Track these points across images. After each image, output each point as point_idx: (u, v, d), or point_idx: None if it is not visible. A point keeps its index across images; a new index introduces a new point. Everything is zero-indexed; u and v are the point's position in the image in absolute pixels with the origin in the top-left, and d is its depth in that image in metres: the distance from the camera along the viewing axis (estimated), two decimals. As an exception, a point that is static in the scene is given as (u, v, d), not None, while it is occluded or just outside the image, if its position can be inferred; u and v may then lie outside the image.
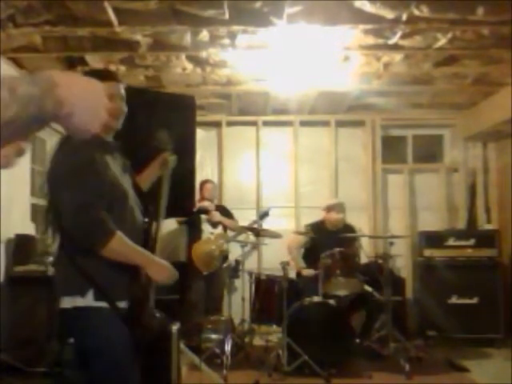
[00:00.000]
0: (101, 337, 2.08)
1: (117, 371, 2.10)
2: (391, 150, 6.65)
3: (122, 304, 2.08)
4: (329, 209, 5.31)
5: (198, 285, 5.39)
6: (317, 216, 5.50)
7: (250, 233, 5.31)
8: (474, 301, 5.57)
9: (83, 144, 2.01)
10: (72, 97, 0.92)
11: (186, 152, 3.36)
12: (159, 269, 2.20)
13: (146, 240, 2.23)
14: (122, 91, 2.21)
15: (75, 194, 1.98)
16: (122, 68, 4.83)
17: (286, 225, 6.09)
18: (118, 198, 2.08)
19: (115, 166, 2.14)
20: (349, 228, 5.35)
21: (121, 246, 2.01)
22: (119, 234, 1.99)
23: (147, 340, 2.13)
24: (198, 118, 3.62)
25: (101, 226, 1.96)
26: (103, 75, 2.14)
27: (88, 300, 2.02)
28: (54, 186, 2.07)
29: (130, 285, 2.08)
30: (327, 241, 5.07)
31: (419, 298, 5.92)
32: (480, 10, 3.69)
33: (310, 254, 5.28)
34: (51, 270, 4.10)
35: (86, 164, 2.02)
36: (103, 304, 2.03)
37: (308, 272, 5.12)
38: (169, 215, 3.97)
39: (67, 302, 2.06)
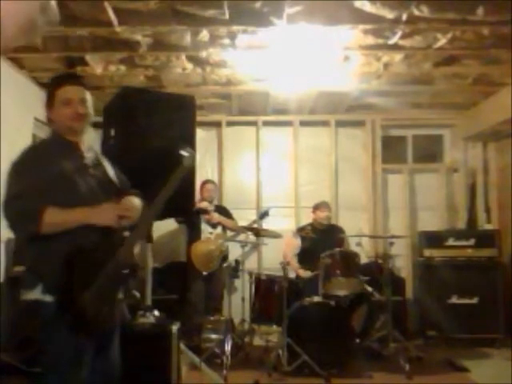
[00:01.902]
0: (44, 332, 2.12)
1: (57, 366, 2.11)
2: (391, 150, 6.65)
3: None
4: (315, 208, 5.64)
5: (197, 285, 5.39)
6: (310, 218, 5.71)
7: (249, 233, 5.31)
8: (474, 301, 5.56)
9: (34, 146, 2.35)
10: None
11: (185, 152, 3.36)
12: (101, 213, 2.17)
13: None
14: (83, 95, 2.28)
15: (9, 188, 2.12)
16: (122, 68, 4.83)
17: (286, 225, 6.08)
18: (61, 188, 2.14)
19: (68, 162, 2.22)
20: (336, 227, 5.71)
21: (56, 216, 2.08)
22: (50, 207, 2.06)
23: (95, 330, 2.11)
24: (198, 118, 3.61)
25: (29, 208, 2.05)
26: (61, 79, 2.32)
27: (36, 293, 2.09)
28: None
29: (59, 274, 2.06)
30: (320, 241, 5.24)
31: (419, 298, 5.92)
32: (480, 10, 3.69)
33: (305, 255, 5.38)
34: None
35: (24, 162, 2.17)
36: (50, 298, 2.08)
37: (305, 273, 5.17)
38: (168, 215, 3.98)
39: (23, 295, 2.15)
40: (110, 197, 2.27)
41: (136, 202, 2.35)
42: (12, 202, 2.08)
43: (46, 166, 2.15)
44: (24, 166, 2.16)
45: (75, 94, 2.26)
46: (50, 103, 2.28)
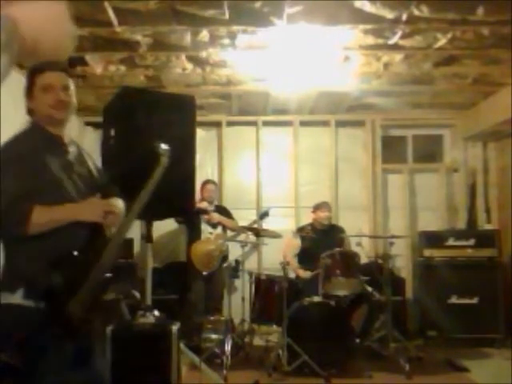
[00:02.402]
0: (28, 338, 1.99)
1: (43, 372, 2.00)
2: (391, 150, 6.64)
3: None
4: (315, 208, 5.61)
5: (197, 285, 5.39)
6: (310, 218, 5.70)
7: (249, 233, 5.31)
8: (474, 301, 5.57)
9: (16, 139, 2.09)
10: (33, 30, 0.93)
11: (186, 152, 3.36)
12: (87, 209, 2.07)
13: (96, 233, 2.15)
14: (65, 81, 2.14)
15: None
16: (122, 68, 4.83)
17: (286, 225, 6.08)
18: (47, 187, 2.03)
19: (54, 158, 2.09)
20: (336, 227, 5.69)
21: (43, 215, 1.97)
22: (37, 206, 1.96)
23: (75, 335, 2.01)
24: (198, 118, 3.61)
25: (17, 207, 1.94)
26: (42, 65, 2.13)
27: (17, 297, 1.97)
28: None
29: (48, 281, 1.96)
30: (320, 242, 5.23)
31: (419, 298, 5.91)
32: (480, 10, 3.69)
33: (305, 255, 5.37)
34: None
35: (8, 159, 2.00)
36: (32, 303, 1.96)
37: (304, 274, 5.17)
38: (168, 215, 3.98)
39: (4, 298, 2.02)
40: (95, 195, 2.20)
41: (119, 202, 2.28)
42: None
43: (30, 163, 2.02)
44: (6, 163, 1.99)
45: (57, 80, 2.11)
46: (29, 91, 2.13)
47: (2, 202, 1.94)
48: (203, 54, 4.53)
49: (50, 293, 1.96)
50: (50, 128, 2.15)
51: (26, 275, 1.99)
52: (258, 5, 3.64)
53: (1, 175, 1.97)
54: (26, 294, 1.97)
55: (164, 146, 2.50)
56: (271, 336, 5.14)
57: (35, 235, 1.98)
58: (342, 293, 4.73)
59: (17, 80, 5.12)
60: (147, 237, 3.38)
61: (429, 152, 6.72)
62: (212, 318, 5.02)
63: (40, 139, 2.13)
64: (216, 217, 5.56)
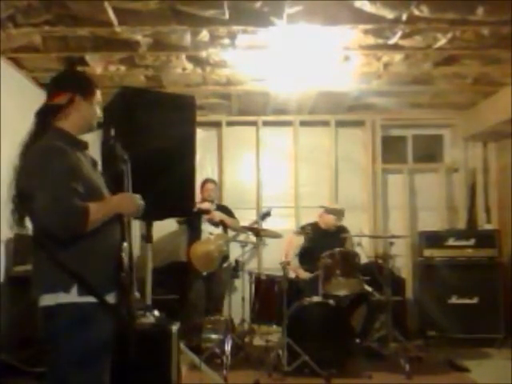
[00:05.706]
0: (81, 335, 2.03)
1: (91, 375, 2.07)
2: (391, 150, 6.65)
3: (109, 297, 2.08)
4: (328, 212, 5.45)
5: (198, 285, 5.38)
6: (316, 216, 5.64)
7: (250, 233, 5.31)
8: (474, 301, 5.57)
9: (53, 140, 2.12)
10: None
11: (186, 152, 3.37)
12: (127, 203, 2.20)
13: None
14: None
15: (45, 189, 1.99)
16: (122, 68, 4.83)
17: (286, 225, 6.08)
18: (90, 190, 2.11)
19: (86, 162, 2.21)
20: (341, 228, 5.57)
21: (96, 214, 2.05)
22: (90, 205, 2.03)
23: (132, 331, 2.12)
24: (198, 118, 3.61)
25: (75, 209, 1.99)
26: (94, 85, 2.36)
27: (72, 296, 2.02)
28: (24, 181, 2.08)
29: (117, 275, 2.05)
30: (322, 241, 5.18)
31: (419, 298, 5.92)
32: (480, 10, 3.69)
33: (306, 255, 5.35)
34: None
35: (55, 156, 2.05)
36: (88, 299, 2.03)
37: (304, 274, 5.16)
38: (169, 215, 3.98)
39: (49, 299, 2.04)
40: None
41: None
42: (53, 205, 1.96)
43: (71, 166, 2.06)
44: (51, 166, 2.02)
45: (101, 97, 2.40)
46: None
47: (60, 206, 1.97)
48: (203, 54, 4.53)
49: (119, 286, 2.06)
50: (78, 134, 2.27)
51: (81, 273, 2.02)
52: (257, 5, 3.65)
53: (50, 180, 2.00)
54: (80, 291, 2.02)
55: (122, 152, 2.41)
56: (271, 336, 5.14)
57: (85, 234, 2.04)
58: (342, 293, 4.73)
59: (17, 80, 5.11)
60: (147, 237, 3.39)
61: (429, 152, 6.73)
62: (212, 318, 5.02)
63: (71, 143, 2.19)
64: (218, 215, 5.55)
